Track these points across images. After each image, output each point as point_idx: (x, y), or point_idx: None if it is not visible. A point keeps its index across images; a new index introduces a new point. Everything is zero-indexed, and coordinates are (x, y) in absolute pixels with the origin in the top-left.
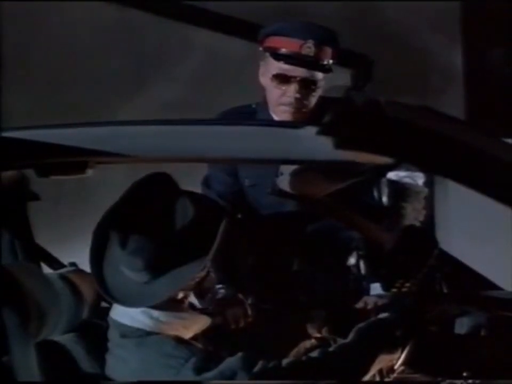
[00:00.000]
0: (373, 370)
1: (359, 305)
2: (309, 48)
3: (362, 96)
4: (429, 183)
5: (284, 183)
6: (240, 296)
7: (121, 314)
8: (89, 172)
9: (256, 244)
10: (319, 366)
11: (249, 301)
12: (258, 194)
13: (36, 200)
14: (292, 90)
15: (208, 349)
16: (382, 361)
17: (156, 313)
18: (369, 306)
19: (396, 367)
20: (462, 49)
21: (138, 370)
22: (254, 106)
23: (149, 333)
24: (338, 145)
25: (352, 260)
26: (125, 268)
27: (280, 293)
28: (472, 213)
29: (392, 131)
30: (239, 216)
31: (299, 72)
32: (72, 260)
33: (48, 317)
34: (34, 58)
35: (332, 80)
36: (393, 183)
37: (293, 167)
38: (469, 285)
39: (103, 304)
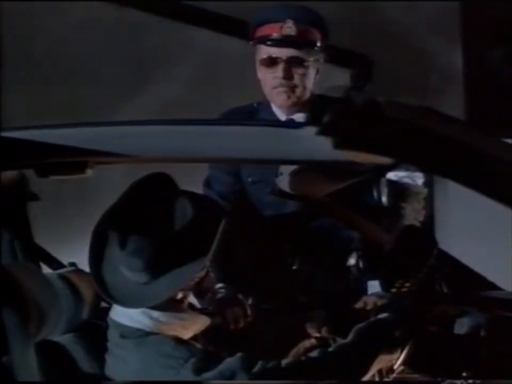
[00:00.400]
0: (373, 370)
1: (359, 305)
2: (289, 28)
3: (362, 96)
4: (429, 183)
5: (283, 183)
6: (240, 296)
7: (121, 314)
8: (89, 172)
9: (255, 244)
10: (318, 366)
11: (249, 301)
12: (260, 193)
13: (36, 200)
14: (279, 70)
15: (208, 349)
16: (381, 361)
17: (155, 313)
18: (369, 306)
19: (395, 367)
20: (462, 49)
21: (138, 371)
22: (255, 105)
23: (148, 333)
24: (338, 145)
25: (352, 260)
26: (124, 268)
27: (280, 293)
28: (472, 213)
29: (392, 131)
30: (239, 215)
31: (283, 52)
32: (71, 260)
33: (48, 317)
34: (34, 58)
35: (332, 80)
36: (393, 183)
37: (292, 167)
38: (469, 285)
39: (103, 304)
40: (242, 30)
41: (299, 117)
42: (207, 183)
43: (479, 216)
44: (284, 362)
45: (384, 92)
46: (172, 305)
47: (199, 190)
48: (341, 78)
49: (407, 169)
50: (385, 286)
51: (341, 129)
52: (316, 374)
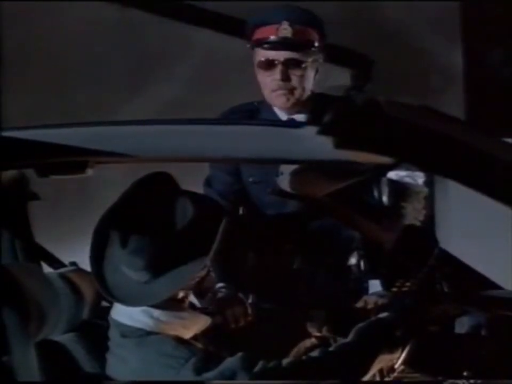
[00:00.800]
0: (373, 370)
1: (359, 304)
2: (285, 29)
3: (362, 96)
4: (429, 183)
5: (284, 182)
6: (240, 295)
7: (122, 314)
8: (89, 172)
9: (256, 243)
10: (319, 365)
11: (250, 300)
12: (260, 193)
13: (36, 199)
14: (277, 73)
15: (208, 349)
16: (382, 361)
17: (156, 312)
18: (369, 306)
19: (396, 366)
20: (462, 49)
21: (138, 370)
22: (256, 104)
23: (149, 333)
24: (338, 145)
25: (352, 260)
26: (125, 267)
27: (281, 292)
28: (472, 213)
29: (392, 131)
30: (240, 215)
31: (280, 54)
32: (72, 259)
33: (48, 316)
34: (34, 58)
35: (332, 80)
36: (393, 183)
37: (293, 167)
38: (470, 284)
39: (104, 303)
40: (242, 30)
41: (300, 117)
42: (208, 183)
43: (479, 215)
44: (285, 362)
45: (384, 91)
46: (172, 305)
47: (200, 190)
48: (341, 77)
49: (407, 169)
50: (385, 285)
51: (341, 129)
52: (317, 374)
